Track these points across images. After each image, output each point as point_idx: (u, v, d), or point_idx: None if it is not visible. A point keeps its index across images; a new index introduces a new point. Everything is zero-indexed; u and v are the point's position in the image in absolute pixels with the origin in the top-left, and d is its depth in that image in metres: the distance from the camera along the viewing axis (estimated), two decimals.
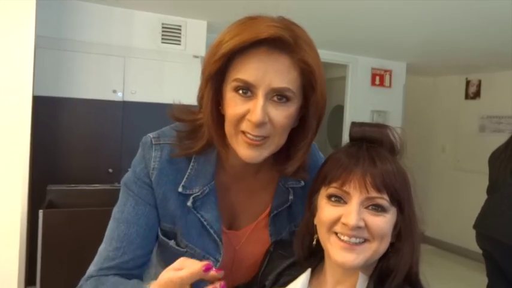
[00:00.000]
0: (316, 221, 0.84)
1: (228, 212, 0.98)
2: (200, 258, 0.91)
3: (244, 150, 0.83)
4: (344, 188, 0.77)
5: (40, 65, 2.78)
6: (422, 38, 3.82)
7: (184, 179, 0.92)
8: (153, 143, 0.94)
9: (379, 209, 0.77)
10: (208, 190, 0.93)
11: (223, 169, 0.96)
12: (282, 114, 0.81)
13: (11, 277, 2.35)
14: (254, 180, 0.98)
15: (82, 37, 3.24)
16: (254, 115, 0.79)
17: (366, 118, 4.85)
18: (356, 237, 0.76)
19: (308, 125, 0.87)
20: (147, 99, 3.37)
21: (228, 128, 0.84)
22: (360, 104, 4.81)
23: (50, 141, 3.13)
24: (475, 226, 2.85)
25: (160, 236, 0.95)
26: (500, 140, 2.92)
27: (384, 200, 0.76)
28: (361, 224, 0.75)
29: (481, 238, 2.82)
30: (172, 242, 0.94)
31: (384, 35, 3.81)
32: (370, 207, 0.77)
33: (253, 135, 0.81)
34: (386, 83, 4.95)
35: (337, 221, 0.78)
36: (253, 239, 0.99)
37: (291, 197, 0.99)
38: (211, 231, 0.93)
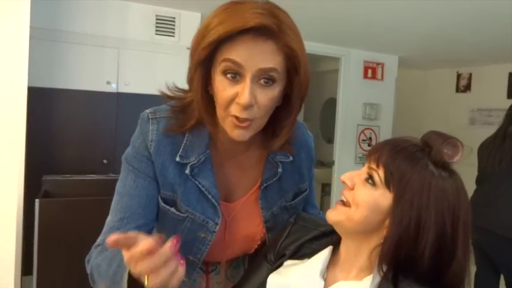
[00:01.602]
0: None
1: (222, 187, 1.02)
2: (200, 222, 0.98)
3: (232, 131, 0.89)
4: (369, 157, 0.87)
5: (34, 56, 2.77)
6: (415, 32, 3.85)
7: (181, 149, 0.97)
8: (150, 117, 0.99)
9: (370, 180, 0.83)
10: (204, 158, 0.98)
11: (214, 146, 1.00)
12: (267, 97, 0.85)
13: (8, 267, 2.36)
14: (245, 157, 1.04)
15: (76, 28, 3.24)
16: (243, 98, 0.83)
17: (358, 111, 4.89)
18: (344, 196, 0.87)
19: (292, 104, 0.92)
20: (141, 90, 3.37)
21: (219, 110, 0.89)
22: (352, 97, 4.84)
23: (45, 132, 3.13)
24: None
25: (161, 203, 0.99)
26: (490, 132, 2.97)
27: (376, 174, 0.82)
28: (349, 183, 0.85)
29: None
30: (173, 209, 0.99)
31: (376, 29, 3.84)
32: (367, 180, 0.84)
33: (241, 118, 0.86)
34: (379, 76, 4.98)
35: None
36: (244, 212, 1.04)
37: (279, 170, 1.04)
38: (209, 197, 0.98)
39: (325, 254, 0.90)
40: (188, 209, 0.98)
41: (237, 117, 0.86)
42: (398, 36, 4.12)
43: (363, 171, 0.85)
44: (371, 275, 0.81)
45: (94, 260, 0.94)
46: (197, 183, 0.97)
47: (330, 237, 0.92)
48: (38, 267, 2.37)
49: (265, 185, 1.03)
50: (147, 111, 1.00)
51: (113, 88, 3.35)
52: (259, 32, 0.81)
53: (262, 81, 0.84)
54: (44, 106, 3.12)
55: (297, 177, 1.09)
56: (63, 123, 3.21)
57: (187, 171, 0.96)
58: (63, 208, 2.44)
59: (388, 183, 0.80)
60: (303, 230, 0.98)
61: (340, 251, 0.90)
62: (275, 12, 0.84)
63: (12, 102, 2.36)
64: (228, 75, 0.84)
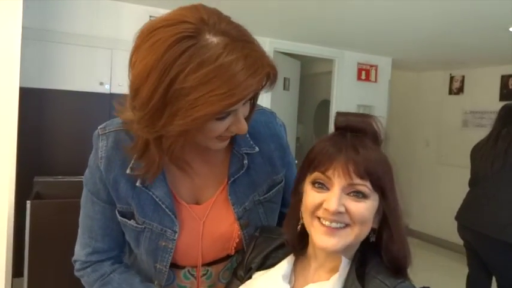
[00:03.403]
0: (302, 207, 0.86)
1: (190, 188, 1.01)
2: (159, 232, 0.97)
3: (217, 146, 0.91)
4: (327, 174, 0.79)
5: (26, 56, 2.75)
6: (408, 34, 3.87)
7: (132, 161, 0.94)
8: (100, 133, 0.98)
9: (360, 195, 0.79)
10: None
11: None
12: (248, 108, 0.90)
13: None
14: (209, 156, 1.01)
15: (69, 29, 3.22)
16: (242, 128, 0.85)
17: None
18: (337, 221, 0.79)
19: (257, 99, 0.93)
20: None
21: (203, 137, 0.87)
22: (346, 99, 4.85)
23: (37, 133, 3.11)
24: (457, 218, 2.92)
25: (119, 217, 0.99)
26: (482, 134, 2.99)
27: (365, 187, 0.78)
28: (342, 209, 0.78)
29: (462, 229, 2.89)
30: (131, 221, 0.99)
31: (370, 31, 3.85)
32: (351, 194, 0.79)
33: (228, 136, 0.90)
34: (372, 77, 5.00)
35: (319, 206, 0.80)
36: (217, 211, 1.02)
37: (245, 162, 1.01)
38: (163, 206, 0.96)
39: (288, 259, 0.89)
40: (145, 220, 0.97)
41: (224, 137, 0.88)
42: (392, 39, 4.14)
43: (338, 189, 0.78)
44: (337, 273, 0.81)
45: None
46: (151, 193, 0.96)
47: (293, 246, 0.91)
48: (29, 269, 2.35)
49: (232, 179, 1.01)
50: (99, 127, 0.99)
51: (106, 89, 3.33)
52: None
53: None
54: (36, 107, 3.11)
55: (269, 168, 1.06)
56: (56, 124, 3.19)
57: (138, 184, 0.95)
58: (54, 210, 2.42)
59: (375, 187, 0.80)
60: (267, 241, 0.97)
61: (308, 256, 0.89)
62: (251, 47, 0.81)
63: (4, 103, 2.34)
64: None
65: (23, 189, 2.55)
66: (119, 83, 3.35)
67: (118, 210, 0.99)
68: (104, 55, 3.32)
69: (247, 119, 0.89)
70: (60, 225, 2.39)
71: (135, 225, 0.98)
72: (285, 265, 0.88)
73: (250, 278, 0.93)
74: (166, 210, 0.96)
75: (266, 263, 0.93)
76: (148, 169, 0.91)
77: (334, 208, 0.77)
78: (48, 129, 3.17)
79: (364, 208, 0.79)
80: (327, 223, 0.79)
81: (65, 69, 3.20)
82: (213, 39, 0.75)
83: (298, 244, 0.90)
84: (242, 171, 1.01)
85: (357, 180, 0.78)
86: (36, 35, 3.07)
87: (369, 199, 0.79)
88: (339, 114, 0.86)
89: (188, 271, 1.06)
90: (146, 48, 0.76)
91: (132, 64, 0.80)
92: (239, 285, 0.94)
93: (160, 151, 0.86)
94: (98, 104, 3.29)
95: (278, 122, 1.12)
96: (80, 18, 3.26)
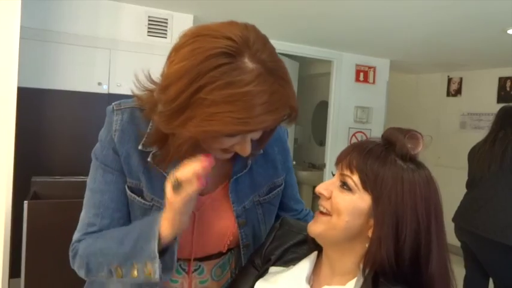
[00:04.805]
0: None
1: None
2: None
3: (223, 156, 0.92)
4: (337, 167, 0.87)
5: (25, 56, 2.74)
6: (406, 36, 3.87)
7: (144, 138, 0.96)
8: (115, 108, 1.00)
9: (345, 186, 0.83)
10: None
11: None
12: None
13: None
14: None
15: (67, 29, 3.21)
16: (246, 151, 0.88)
17: (349, 114, 4.91)
18: (323, 206, 0.86)
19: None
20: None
21: (208, 146, 0.89)
22: (344, 100, 4.86)
23: (34, 133, 3.10)
24: (454, 220, 2.92)
25: (128, 192, 0.99)
26: (480, 136, 2.99)
27: (350, 179, 0.82)
28: (324, 192, 0.85)
29: (459, 231, 2.90)
30: (139, 198, 0.99)
31: (369, 33, 3.85)
32: (341, 184, 0.84)
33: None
34: (370, 79, 5.00)
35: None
36: (214, 206, 1.03)
37: (249, 162, 1.03)
38: None
39: (310, 260, 0.91)
40: (154, 197, 0.98)
41: (228, 150, 0.90)
42: (390, 40, 4.15)
43: (336, 179, 0.86)
44: (355, 279, 0.82)
45: (90, 248, 0.95)
46: (161, 170, 0.96)
47: (314, 243, 0.92)
48: (26, 270, 2.34)
49: (235, 177, 1.02)
50: (113, 103, 1.01)
51: (104, 89, 3.32)
52: None
53: None
54: (34, 107, 3.09)
55: (271, 171, 1.08)
56: (54, 124, 3.18)
57: (149, 159, 0.96)
58: (52, 210, 2.41)
59: (365, 186, 0.81)
60: (288, 235, 0.99)
61: (322, 257, 0.91)
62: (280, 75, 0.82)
63: (2, 103, 2.34)
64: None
65: (21, 189, 2.54)
66: (117, 83, 3.35)
67: (128, 186, 0.99)
68: (103, 55, 3.32)
69: (261, 142, 0.92)
70: (58, 226, 2.38)
71: (143, 201, 0.98)
72: (307, 264, 0.90)
73: (266, 270, 0.95)
74: None
75: (284, 257, 0.95)
76: (164, 157, 0.93)
77: (317, 190, 0.86)
78: (46, 129, 3.16)
79: (342, 199, 0.82)
80: (319, 207, 0.86)
81: (63, 69, 3.19)
82: (249, 64, 0.77)
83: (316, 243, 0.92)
84: (245, 171, 1.03)
85: (346, 171, 0.83)
86: (35, 35, 3.06)
87: (354, 194, 0.82)
88: (390, 128, 0.88)
89: (180, 265, 1.06)
90: (187, 52, 0.79)
91: (170, 61, 0.83)
92: (257, 274, 0.96)
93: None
94: (96, 104, 3.28)
95: (282, 126, 1.14)
96: (79, 18, 3.26)
